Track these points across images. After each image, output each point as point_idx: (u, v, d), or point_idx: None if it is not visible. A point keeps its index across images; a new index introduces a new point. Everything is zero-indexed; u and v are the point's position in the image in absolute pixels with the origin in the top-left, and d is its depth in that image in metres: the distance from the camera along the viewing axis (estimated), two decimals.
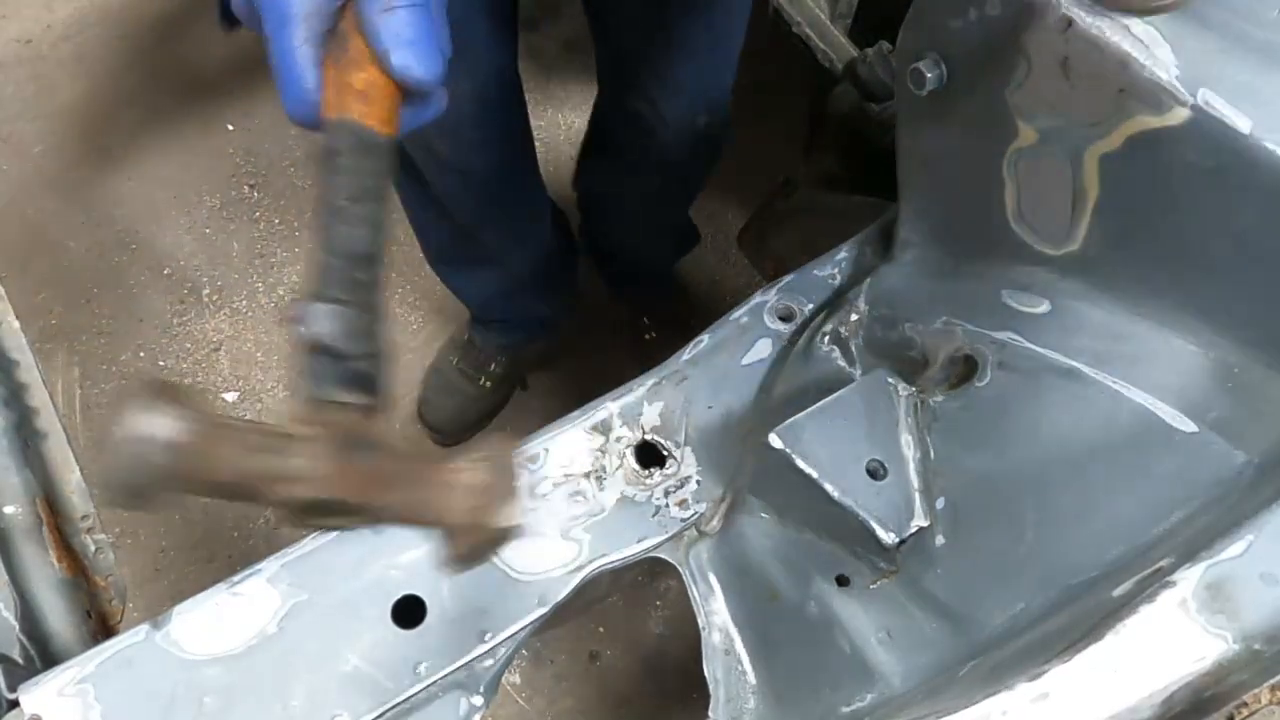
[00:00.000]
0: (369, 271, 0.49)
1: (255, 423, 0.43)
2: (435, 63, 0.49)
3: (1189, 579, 0.52)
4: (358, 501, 0.44)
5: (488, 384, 1.81)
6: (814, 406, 0.79)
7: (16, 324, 0.89)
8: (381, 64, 0.48)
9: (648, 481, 0.83)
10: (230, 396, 1.90)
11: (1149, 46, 0.60)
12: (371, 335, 0.48)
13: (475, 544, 0.47)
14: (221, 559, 1.77)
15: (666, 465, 0.84)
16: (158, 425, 0.38)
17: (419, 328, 1.95)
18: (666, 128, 1.30)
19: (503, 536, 0.47)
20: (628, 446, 0.84)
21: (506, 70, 1.24)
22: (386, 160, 0.49)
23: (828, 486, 0.76)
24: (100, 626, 0.80)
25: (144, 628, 0.72)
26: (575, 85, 2.12)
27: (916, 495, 0.77)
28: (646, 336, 1.86)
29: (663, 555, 0.81)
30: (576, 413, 0.85)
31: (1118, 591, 0.59)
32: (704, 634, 0.81)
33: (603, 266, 1.84)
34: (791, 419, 0.78)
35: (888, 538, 0.75)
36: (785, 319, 0.89)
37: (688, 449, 0.85)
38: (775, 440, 0.77)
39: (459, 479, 0.46)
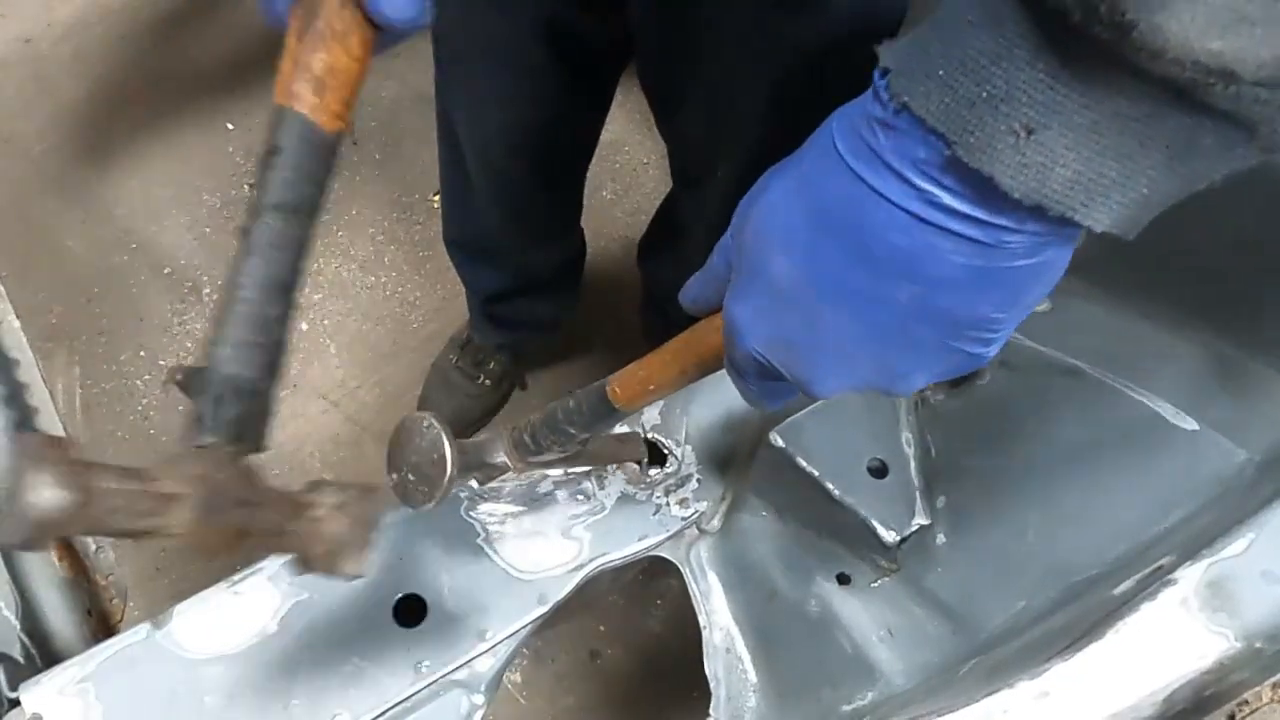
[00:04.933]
0: (283, 304, 0.48)
1: (133, 472, 0.43)
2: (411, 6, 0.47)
3: (1190, 577, 0.52)
4: (223, 546, 0.45)
5: (487, 383, 1.81)
6: (815, 404, 0.79)
7: (17, 324, 0.89)
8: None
9: (648, 480, 0.83)
10: None
11: None
12: (274, 376, 0.47)
13: (320, 573, 0.49)
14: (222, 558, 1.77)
15: (667, 464, 0.84)
16: (45, 494, 0.39)
17: (419, 325, 1.95)
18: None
19: (349, 579, 0.49)
20: None
21: (589, 123, 1.24)
22: (329, 162, 0.48)
23: (829, 485, 0.76)
24: (101, 625, 0.80)
25: (145, 627, 0.72)
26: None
27: (917, 494, 0.77)
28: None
29: (663, 554, 0.81)
30: None
31: (1119, 590, 0.59)
32: (705, 632, 0.81)
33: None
34: (792, 417, 0.78)
35: (889, 536, 0.75)
36: None
37: (688, 447, 0.85)
38: (776, 438, 0.77)
39: (321, 528, 0.48)
